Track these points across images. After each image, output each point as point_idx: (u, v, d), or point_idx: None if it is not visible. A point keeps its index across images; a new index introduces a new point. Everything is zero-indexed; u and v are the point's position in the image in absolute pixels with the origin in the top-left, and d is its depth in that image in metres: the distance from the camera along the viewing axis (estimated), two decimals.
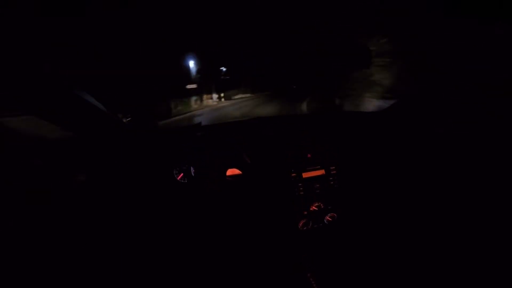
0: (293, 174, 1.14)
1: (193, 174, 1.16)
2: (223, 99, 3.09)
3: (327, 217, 1.15)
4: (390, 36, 1.76)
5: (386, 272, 1.02)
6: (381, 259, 1.06)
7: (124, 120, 1.17)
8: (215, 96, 3.08)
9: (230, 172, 1.18)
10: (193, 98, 3.08)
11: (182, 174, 1.15)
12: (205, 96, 3.09)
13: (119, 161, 1.08)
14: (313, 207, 1.14)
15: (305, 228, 1.14)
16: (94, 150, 1.02)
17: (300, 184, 1.13)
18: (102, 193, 1.02)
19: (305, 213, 1.14)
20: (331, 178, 1.15)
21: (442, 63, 1.56)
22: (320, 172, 1.15)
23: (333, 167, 1.15)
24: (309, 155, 1.16)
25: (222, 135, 1.24)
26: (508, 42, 1.26)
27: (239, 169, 1.16)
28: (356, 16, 1.69)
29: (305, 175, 1.14)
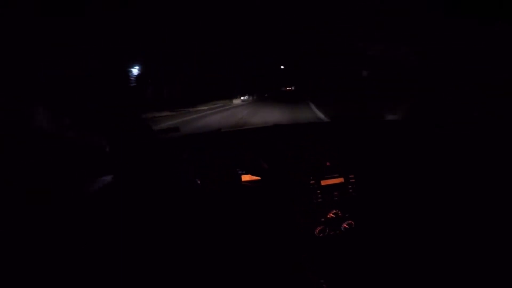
0: (311, 182, 1.12)
1: (212, 179, 1.17)
2: None
3: (344, 225, 1.14)
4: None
5: (402, 280, 1.01)
6: (398, 268, 1.04)
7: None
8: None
9: (248, 177, 1.18)
10: None
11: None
12: None
13: (145, 163, 1.12)
14: (331, 214, 1.12)
15: (321, 234, 1.13)
16: (122, 152, 1.05)
17: (318, 192, 1.12)
18: (126, 194, 1.05)
19: (322, 219, 1.13)
20: (350, 186, 1.14)
21: (442, 64, 1.57)
22: (339, 180, 1.13)
23: (352, 176, 1.14)
24: (328, 163, 1.15)
25: (241, 140, 1.26)
26: (508, 42, 1.27)
27: (257, 175, 1.17)
28: (355, 16, 1.70)
29: (323, 182, 1.12)
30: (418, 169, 1.15)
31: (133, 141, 1.10)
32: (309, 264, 1.08)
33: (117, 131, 1.06)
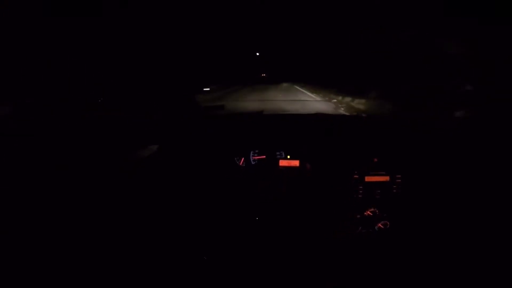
0: (355, 176, 1.09)
1: (252, 161, 1.19)
2: None
3: (379, 224, 1.10)
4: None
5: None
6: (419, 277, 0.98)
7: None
8: None
9: (286, 162, 1.17)
10: None
11: (243, 159, 1.18)
12: None
13: (189, 136, 1.19)
14: (368, 212, 1.10)
15: (353, 231, 1.10)
16: (171, 124, 1.18)
17: (360, 187, 1.09)
18: (168, 163, 1.15)
19: (358, 216, 1.10)
20: (394, 186, 1.10)
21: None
22: (384, 178, 1.10)
23: (399, 176, 1.10)
24: (375, 159, 1.11)
25: (283, 125, 1.27)
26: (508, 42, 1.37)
27: (297, 161, 1.17)
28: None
29: (368, 179, 1.09)
30: (468, 180, 1.08)
31: (183, 115, 1.22)
32: (333, 259, 1.06)
33: (171, 106, 1.22)
